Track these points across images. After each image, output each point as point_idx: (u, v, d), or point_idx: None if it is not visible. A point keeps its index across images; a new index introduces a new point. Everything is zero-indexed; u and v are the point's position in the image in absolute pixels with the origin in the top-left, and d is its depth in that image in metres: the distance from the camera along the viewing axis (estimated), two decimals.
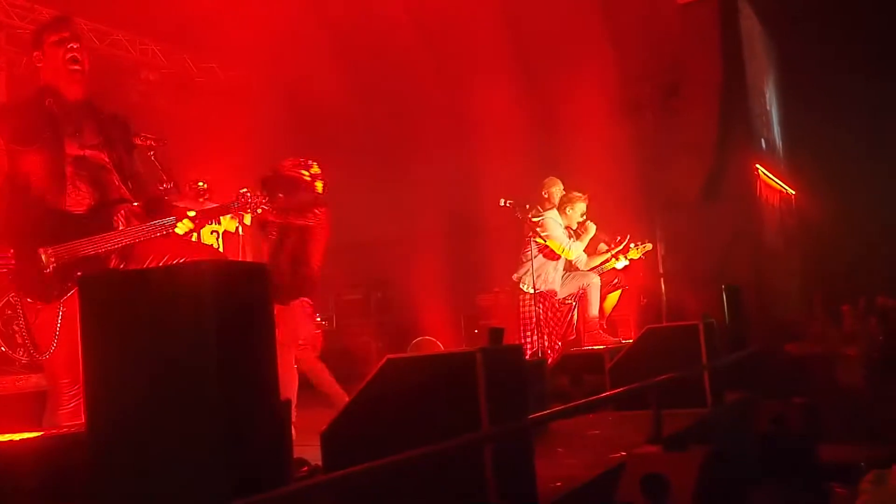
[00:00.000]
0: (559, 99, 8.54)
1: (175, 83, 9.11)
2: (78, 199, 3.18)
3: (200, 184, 7.14)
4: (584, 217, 6.96)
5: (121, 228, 3.17)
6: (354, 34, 9.49)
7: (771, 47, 11.40)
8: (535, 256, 6.51)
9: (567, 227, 6.85)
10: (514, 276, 6.70)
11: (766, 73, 11.03)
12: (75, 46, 3.27)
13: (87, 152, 3.24)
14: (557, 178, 7.03)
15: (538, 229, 6.50)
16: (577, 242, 6.83)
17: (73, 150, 3.21)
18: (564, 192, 6.98)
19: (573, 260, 6.90)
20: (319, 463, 2.70)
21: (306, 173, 4.91)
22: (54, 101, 3.23)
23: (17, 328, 5.86)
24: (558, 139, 8.95)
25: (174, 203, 3.50)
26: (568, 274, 6.90)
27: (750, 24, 9.82)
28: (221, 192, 7.03)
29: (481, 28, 9.14)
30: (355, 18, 9.23)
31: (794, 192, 11.58)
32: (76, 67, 3.26)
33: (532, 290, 6.48)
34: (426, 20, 9.33)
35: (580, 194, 6.97)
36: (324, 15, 9.22)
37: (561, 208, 6.89)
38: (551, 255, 6.74)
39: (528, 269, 6.47)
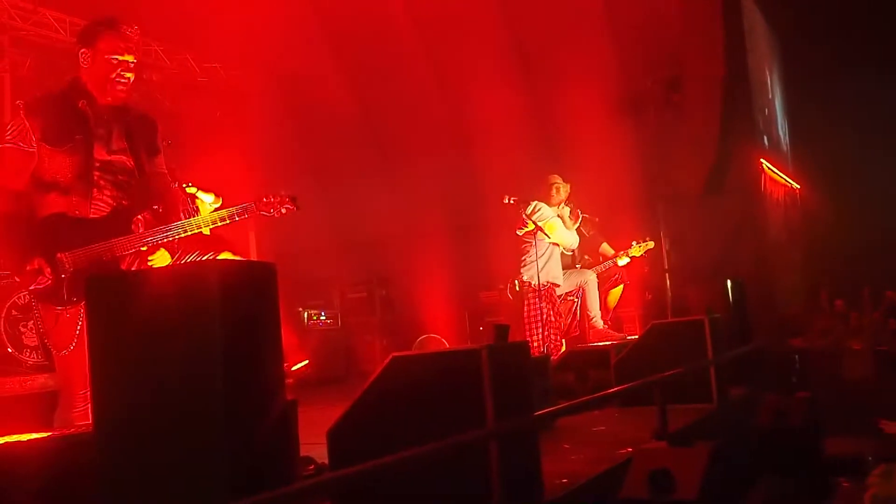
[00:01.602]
0: (561, 95, 8.54)
1: (178, 83, 9.11)
2: (101, 203, 3.17)
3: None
4: (568, 199, 6.94)
5: (140, 232, 3.16)
6: (355, 33, 9.50)
7: (774, 40, 11.36)
8: (542, 255, 6.51)
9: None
10: (525, 278, 6.67)
11: (768, 66, 10.99)
12: (129, 62, 3.20)
13: (115, 157, 3.23)
14: (557, 174, 7.02)
15: (544, 233, 6.48)
16: (572, 233, 6.84)
17: (101, 154, 3.19)
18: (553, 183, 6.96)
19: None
20: (326, 461, 2.71)
21: None
22: (88, 103, 3.19)
23: (23, 329, 5.88)
24: (560, 135, 8.95)
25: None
26: (567, 272, 6.90)
27: (752, 17, 9.79)
28: (226, 193, 7.01)
29: (482, 25, 9.15)
30: (356, 17, 9.23)
31: (798, 187, 11.55)
32: (124, 82, 3.21)
33: (537, 286, 6.49)
34: (426, 17, 9.33)
35: (559, 179, 6.95)
36: (325, 14, 9.23)
37: (548, 198, 6.86)
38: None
39: (534, 269, 6.46)
